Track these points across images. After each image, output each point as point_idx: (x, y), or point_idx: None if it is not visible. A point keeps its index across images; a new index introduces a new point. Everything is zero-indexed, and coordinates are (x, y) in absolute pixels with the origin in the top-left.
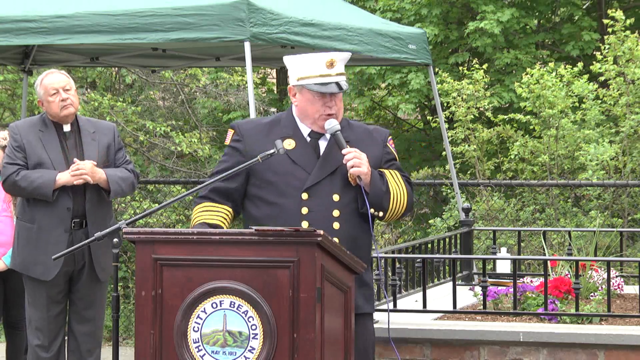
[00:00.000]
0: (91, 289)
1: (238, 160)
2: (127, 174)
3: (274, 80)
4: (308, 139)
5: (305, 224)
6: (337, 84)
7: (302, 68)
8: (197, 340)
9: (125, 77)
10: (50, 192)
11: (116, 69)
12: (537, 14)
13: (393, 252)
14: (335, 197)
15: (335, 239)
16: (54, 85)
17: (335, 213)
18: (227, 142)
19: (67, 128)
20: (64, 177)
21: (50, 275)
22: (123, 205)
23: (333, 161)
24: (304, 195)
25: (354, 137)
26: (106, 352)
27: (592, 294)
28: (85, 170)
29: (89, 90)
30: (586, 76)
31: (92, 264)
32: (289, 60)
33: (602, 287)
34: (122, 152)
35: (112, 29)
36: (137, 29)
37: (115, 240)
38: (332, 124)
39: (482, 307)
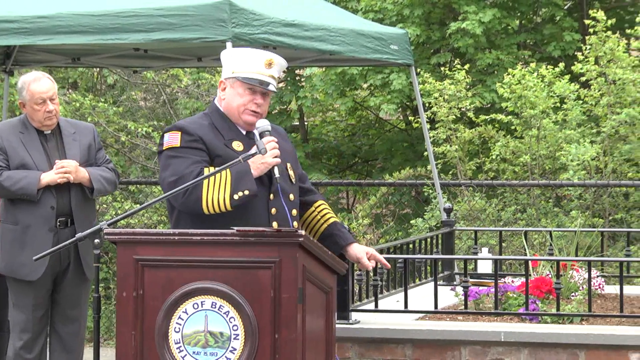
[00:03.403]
0: (76, 288)
1: (204, 155)
2: (108, 173)
3: None
4: (248, 140)
5: (275, 225)
6: (269, 83)
7: (240, 62)
8: (178, 341)
9: (107, 77)
10: (34, 191)
11: (98, 69)
12: (518, 14)
13: None
14: (292, 197)
15: None
16: (42, 94)
17: (294, 212)
18: (177, 144)
19: (47, 130)
20: (48, 176)
21: (36, 275)
22: (105, 206)
23: (281, 160)
24: (271, 196)
25: (278, 137)
26: (87, 353)
27: (573, 293)
28: (69, 168)
29: (70, 90)
30: (567, 76)
31: (78, 263)
32: (226, 54)
33: (583, 287)
34: (102, 152)
35: (93, 29)
36: (119, 29)
37: (97, 241)
38: (264, 123)
39: (463, 307)
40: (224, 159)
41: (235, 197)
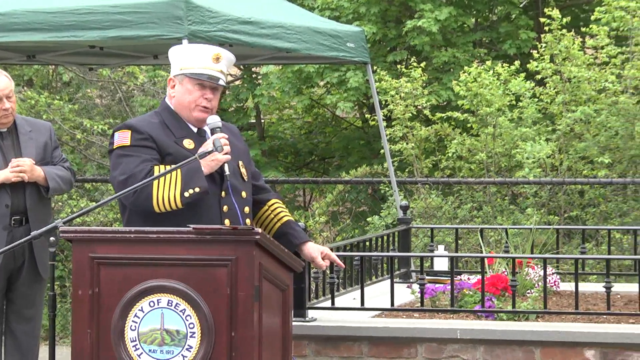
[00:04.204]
0: (31, 287)
1: (154, 153)
2: (64, 172)
3: None
4: (199, 137)
5: (227, 222)
6: (218, 78)
7: (187, 58)
8: (134, 339)
9: (63, 75)
10: None
11: (53, 66)
12: (474, 12)
13: (331, 250)
14: (244, 194)
15: None
16: None
17: (246, 210)
18: (127, 142)
19: (3, 128)
20: (2, 175)
21: None
22: (60, 203)
23: (233, 158)
24: (223, 193)
25: (230, 135)
26: (43, 352)
27: (528, 291)
28: (24, 167)
29: (25, 88)
30: (523, 74)
31: (32, 262)
32: (174, 51)
33: (538, 284)
34: (59, 151)
35: (49, 26)
36: (74, 26)
37: (52, 239)
38: (215, 120)
39: (419, 304)
40: (174, 157)
41: (186, 194)
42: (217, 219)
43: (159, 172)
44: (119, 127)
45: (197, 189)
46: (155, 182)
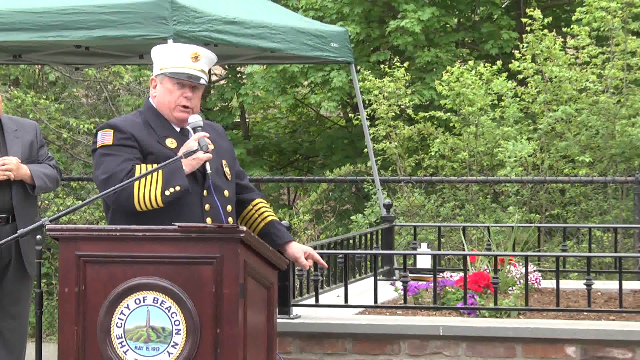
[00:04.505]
0: (18, 285)
1: (136, 152)
2: (50, 170)
3: None
4: (182, 136)
5: (209, 220)
6: (198, 77)
7: (166, 58)
8: (120, 336)
9: (49, 74)
10: None
11: (39, 66)
12: (457, 12)
13: (315, 248)
14: (226, 193)
15: None
16: None
17: (229, 208)
18: (110, 142)
19: None
20: None
21: None
22: (46, 202)
23: (217, 157)
24: (204, 192)
25: (215, 135)
26: (29, 349)
27: (510, 288)
28: (10, 165)
29: (12, 87)
30: (505, 74)
31: (19, 260)
32: (155, 51)
33: (520, 282)
34: (45, 149)
35: (35, 26)
36: (60, 26)
37: (39, 237)
38: (196, 119)
39: (402, 301)
40: (156, 156)
41: (167, 193)
42: (198, 217)
43: (140, 171)
44: (101, 126)
45: (177, 188)
46: (137, 181)
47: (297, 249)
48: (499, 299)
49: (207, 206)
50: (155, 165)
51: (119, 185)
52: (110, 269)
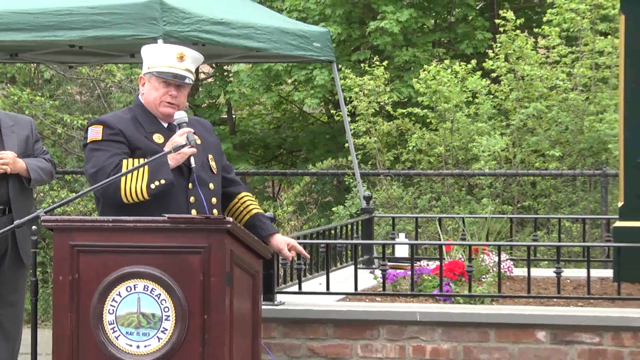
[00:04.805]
0: (14, 274)
1: (124, 147)
2: (45, 164)
3: None
4: (169, 132)
5: (193, 212)
6: (183, 76)
7: (153, 58)
8: (112, 322)
9: (44, 72)
10: None
11: (35, 64)
12: (433, 14)
13: (298, 238)
14: (211, 186)
15: None
16: None
17: (213, 201)
18: (99, 137)
19: None
20: None
21: None
22: (42, 194)
23: (203, 151)
24: (190, 185)
25: (202, 130)
26: (25, 334)
27: (483, 276)
28: (7, 160)
29: (9, 85)
30: (479, 73)
31: (15, 250)
32: (144, 51)
33: (493, 270)
34: (40, 144)
35: (31, 26)
36: (55, 27)
37: (34, 227)
38: (182, 115)
39: (381, 289)
40: (144, 151)
41: (152, 186)
42: (184, 209)
43: (127, 165)
44: (92, 122)
45: (162, 181)
46: (124, 175)
47: (281, 241)
48: (473, 286)
49: (192, 198)
50: (142, 160)
51: (108, 179)
52: (103, 258)
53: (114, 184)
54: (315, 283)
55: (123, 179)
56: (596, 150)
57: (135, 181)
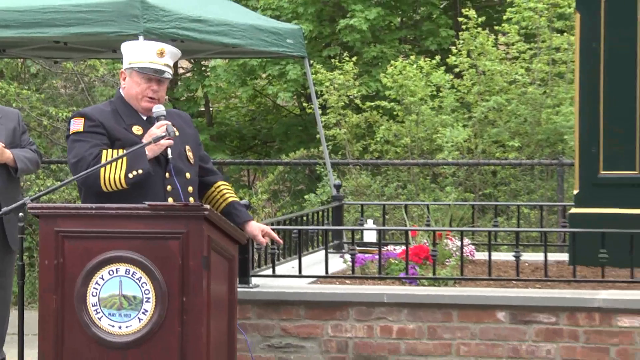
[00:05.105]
0: (2, 258)
1: (104, 139)
2: (31, 154)
3: None
4: (148, 124)
5: (170, 200)
6: (163, 71)
7: (134, 53)
8: (95, 304)
9: (30, 67)
10: None
11: (22, 60)
12: (400, 12)
13: (272, 224)
14: (188, 175)
15: None
16: None
17: (190, 189)
18: (81, 129)
19: None
20: None
21: None
22: (28, 183)
23: (181, 142)
24: (167, 175)
25: (181, 122)
26: (12, 315)
27: (447, 260)
28: None
29: None
30: (443, 68)
31: (3, 235)
32: (124, 47)
33: (456, 254)
34: (27, 135)
35: (18, 23)
36: (41, 24)
37: (21, 214)
38: (160, 108)
39: (351, 272)
40: (123, 142)
41: (130, 175)
42: (161, 197)
43: (107, 155)
44: (74, 114)
45: (140, 171)
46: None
47: (255, 228)
48: (437, 270)
49: (168, 187)
50: (122, 151)
51: (90, 169)
52: (86, 243)
53: (94, 173)
54: (288, 267)
55: (103, 168)
56: (553, 141)
57: (114, 170)
